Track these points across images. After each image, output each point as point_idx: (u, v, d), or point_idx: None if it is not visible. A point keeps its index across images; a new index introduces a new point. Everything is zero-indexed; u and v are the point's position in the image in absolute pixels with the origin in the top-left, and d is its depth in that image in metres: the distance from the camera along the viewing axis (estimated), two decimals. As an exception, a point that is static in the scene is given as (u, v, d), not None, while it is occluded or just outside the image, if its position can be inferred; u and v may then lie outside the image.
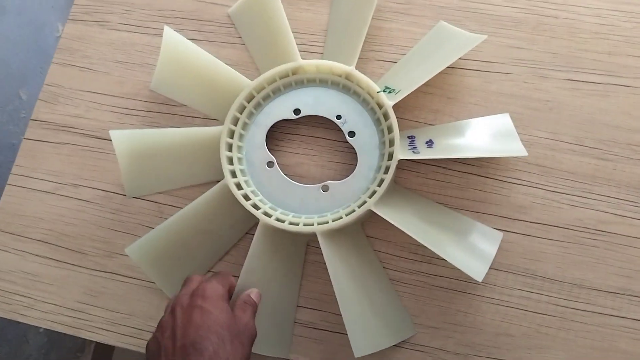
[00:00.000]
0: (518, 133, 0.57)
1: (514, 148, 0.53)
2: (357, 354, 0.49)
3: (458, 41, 0.58)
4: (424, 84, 0.57)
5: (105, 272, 0.58)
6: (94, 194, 0.61)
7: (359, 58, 0.59)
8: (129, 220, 0.59)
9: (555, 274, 0.54)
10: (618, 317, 0.52)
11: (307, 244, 0.56)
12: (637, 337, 0.52)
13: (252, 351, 0.48)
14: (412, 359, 0.53)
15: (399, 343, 0.53)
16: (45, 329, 0.86)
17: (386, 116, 0.55)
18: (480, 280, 0.49)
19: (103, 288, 0.58)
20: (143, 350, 0.55)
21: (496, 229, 0.55)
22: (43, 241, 0.60)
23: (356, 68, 0.57)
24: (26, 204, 0.61)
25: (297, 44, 0.61)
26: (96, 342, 1.09)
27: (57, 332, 0.57)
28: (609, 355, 0.52)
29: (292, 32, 0.61)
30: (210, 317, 0.45)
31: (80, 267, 0.59)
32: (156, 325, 0.47)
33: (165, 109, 0.62)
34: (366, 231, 0.57)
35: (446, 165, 0.58)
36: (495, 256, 0.54)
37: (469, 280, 0.54)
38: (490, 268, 0.53)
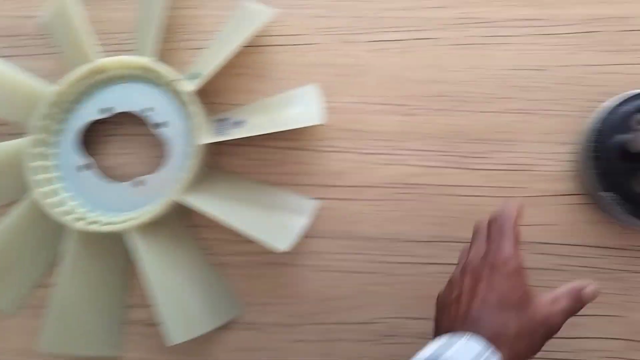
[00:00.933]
0: (328, 101, 0.57)
1: (310, 117, 0.54)
2: (170, 342, 0.50)
3: (254, 17, 0.58)
4: (234, 66, 0.57)
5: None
6: None
7: (170, 49, 0.60)
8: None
9: (373, 232, 0.55)
10: (435, 264, 0.54)
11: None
12: (454, 280, 0.53)
13: (78, 353, 0.49)
14: (245, 338, 0.55)
15: (230, 325, 0.54)
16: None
17: (189, 102, 0.55)
18: (282, 249, 0.50)
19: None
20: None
21: (315, 198, 0.56)
22: None
23: (169, 59, 0.57)
24: None
25: (111, 43, 0.61)
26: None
27: None
28: (428, 301, 0.53)
29: (105, 32, 0.61)
30: (494, 294, 0.40)
31: None
32: None
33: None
34: (194, 220, 0.57)
35: (264, 144, 0.58)
36: (316, 224, 0.55)
37: (294, 252, 0.55)
38: (313, 237, 0.55)
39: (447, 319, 0.43)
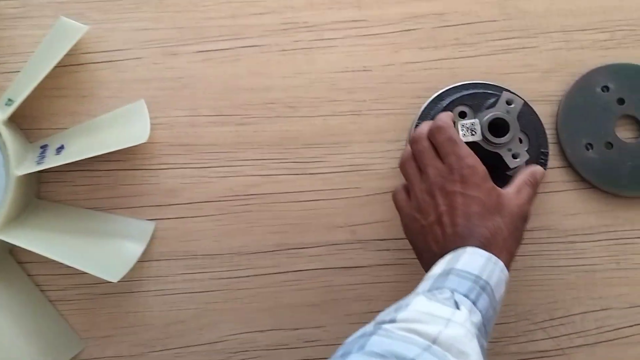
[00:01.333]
0: (157, 117, 0.56)
1: (136, 134, 0.52)
2: None
3: (68, 35, 0.54)
4: (55, 87, 0.55)
5: None
6: None
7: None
8: None
9: (214, 248, 0.54)
10: (279, 273, 0.54)
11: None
12: (299, 286, 0.54)
13: None
14: (88, 376, 0.51)
15: (69, 363, 0.51)
16: None
17: (1, 132, 0.51)
18: (116, 280, 0.47)
19: None
20: None
21: (151, 219, 0.54)
22: None
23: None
24: None
25: None
26: None
27: None
28: (275, 312, 0.53)
29: None
30: (476, 203, 0.41)
31: None
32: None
33: None
34: (20, 257, 0.53)
35: (92, 167, 0.55)
36: (154, 246, 0.53)
37: (133, 278, 0.53)
38: (152, 260, 0.53)
39: (435, 243, 0.43)
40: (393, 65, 0.58)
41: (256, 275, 0.54)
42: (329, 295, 0.54)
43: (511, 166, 0.48)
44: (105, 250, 0.52)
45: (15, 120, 0.54)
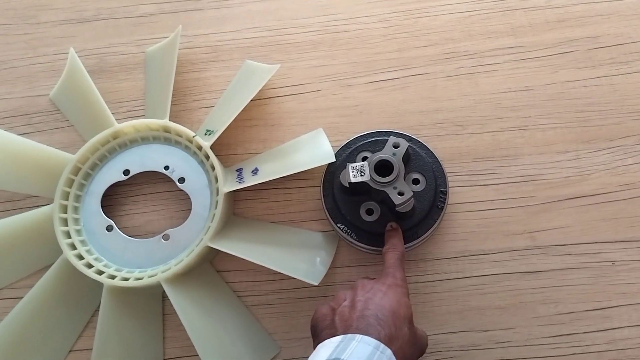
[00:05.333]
0: (338, 140, 0.61)
1: (321, 155, 0.58)
2: None
3: (259, 74, 0.62)
4: (247, 119, 0.61)
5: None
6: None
7: (182, 110, 0.63)
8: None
9: (400, 255, 0.57)
10: (463, 277, 0.56)
11: (162, 297, 0.57)
12: (484, 291, 0.56)
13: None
14: (289, 375, 0.55)
15: (272, 363, 0.55)
16: None
17: (207, 156, 0.58)
18: (316, 283, 0.53)
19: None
20: None
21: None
22: None
23: (183, 119, 0.61)
24: None
25: (123, 111, 0.65)
26: None
27: None
28: (464, 315, 0.55)
29: (116, 101, 0.65)
30: (392, 304, 0.43)
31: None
32: None
33: (10, 206, 0.63)
34: (218, 266, 0.59)
35: (284, 185, 0.61)
36: (344, 255, 0.57)
37: (327, 283, 0.57)
38: (344, 267, 0.57)
39: (340, 319, 0.43)
40: (554, 84, 0.62)
41: (442, 280, 0.57)
42: (515, 299, 0.55)
43: (396, 202, 0.50)
44: (300, 259, 0.56)
45: (213, 148, 0.61)
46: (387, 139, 0.55)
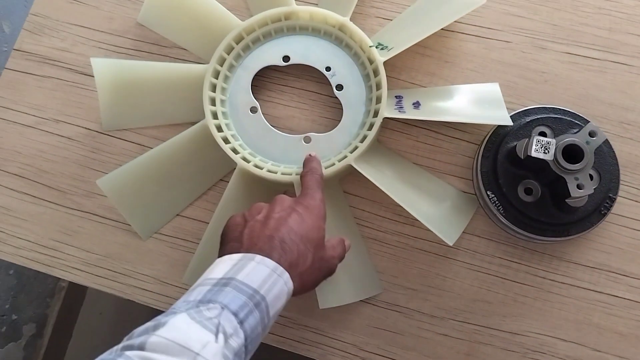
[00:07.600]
0: (511, 102, 0.56)
1: (499, 115, 0.53)
2: (322, 306, 0.51)
3: (457, 3, 0.56)
4: (421, 46, 0.56)
5: (83, 211, 0.57)
6: (76, 131, 0.59)
7: (357, 13, 0.58)
8: (110, 161, 0.58)
9: (536, 245, 0.54)
10: (594, 291, 0.53)
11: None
12: (611, 312, 0.52)
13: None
14: (389, 318, 0.53)
15: (375, 302, 0.53)
16: (15, 271, 0.85)
17: (376, 72, 0.54)
18: (451, 243, 0.49)
19: (79, 227, 0.57)
20: (117, 293, 0.55)
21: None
22: (20, 176, 0.58)
23: (354, 23, 0.55)
24: (5, 137, 0.59)
25: (296, -5, 0.60)
26: (67, 289, 1.09)
27: (27, 275, 0.56)
28: (582, 327, 0.52)
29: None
30: (304, 227, 0.43)
31: (57, 204, 0.58)
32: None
33: (155, 50, 0.60)
34: (344, 187, 0.56)
35: (437, 130, 0.57)
36: (477, 223, 0.54)
37: (448, 245, 0.54)
38: (472, 235, 0.53)
39: (249, 234, 0.42)
40: None
41: (571, 285, 0.53)
42: (640, 331, 0.51)
43: (572, 194, 0.45)
44: (438, 212, 0.53)
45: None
46: (582, 124, 0.49)
